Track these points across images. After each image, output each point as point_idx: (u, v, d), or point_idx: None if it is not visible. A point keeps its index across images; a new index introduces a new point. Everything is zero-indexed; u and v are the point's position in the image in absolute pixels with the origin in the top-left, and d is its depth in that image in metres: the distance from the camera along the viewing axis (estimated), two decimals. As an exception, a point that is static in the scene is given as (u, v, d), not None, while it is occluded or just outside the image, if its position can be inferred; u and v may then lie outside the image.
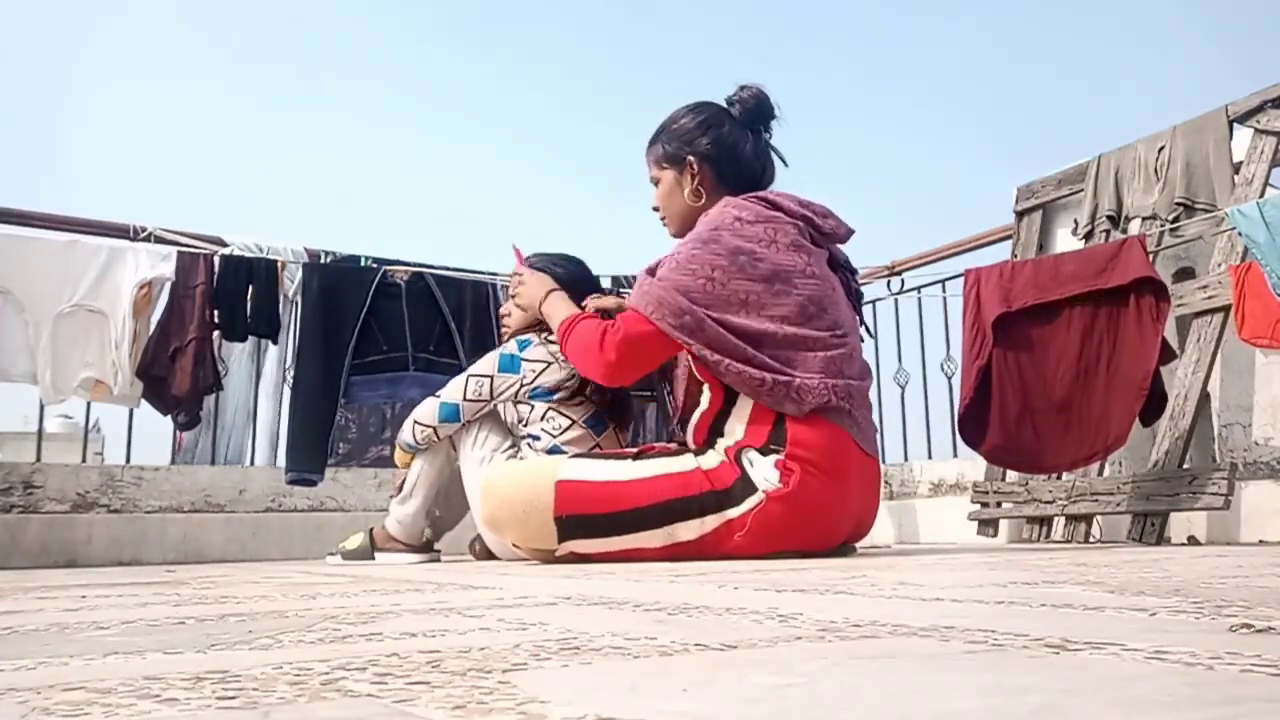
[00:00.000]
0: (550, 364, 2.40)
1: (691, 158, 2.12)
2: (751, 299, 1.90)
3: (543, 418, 2.39)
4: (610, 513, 1.89)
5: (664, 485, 1.89)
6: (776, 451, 1.87)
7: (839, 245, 2.12)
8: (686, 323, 1.90)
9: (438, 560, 2.56)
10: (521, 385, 2.40)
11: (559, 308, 2.22)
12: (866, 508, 2.03)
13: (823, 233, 2.04)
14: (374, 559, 2.54)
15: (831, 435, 1.88)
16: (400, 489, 2.55)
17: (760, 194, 2.03)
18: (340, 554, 2.59)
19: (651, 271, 2.02)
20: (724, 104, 2.19)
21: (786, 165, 2.20)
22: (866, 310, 3.97)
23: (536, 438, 2.39)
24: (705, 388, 1.98)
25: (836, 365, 1.91)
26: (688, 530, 1.88)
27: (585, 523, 1.91)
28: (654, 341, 1.96)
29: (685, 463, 1.92)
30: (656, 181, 2.21)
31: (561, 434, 2.38)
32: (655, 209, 2.22)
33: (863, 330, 2.15)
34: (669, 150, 2.16)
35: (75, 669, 0.57)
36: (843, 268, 2.13)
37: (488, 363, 2.46)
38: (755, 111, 2.16)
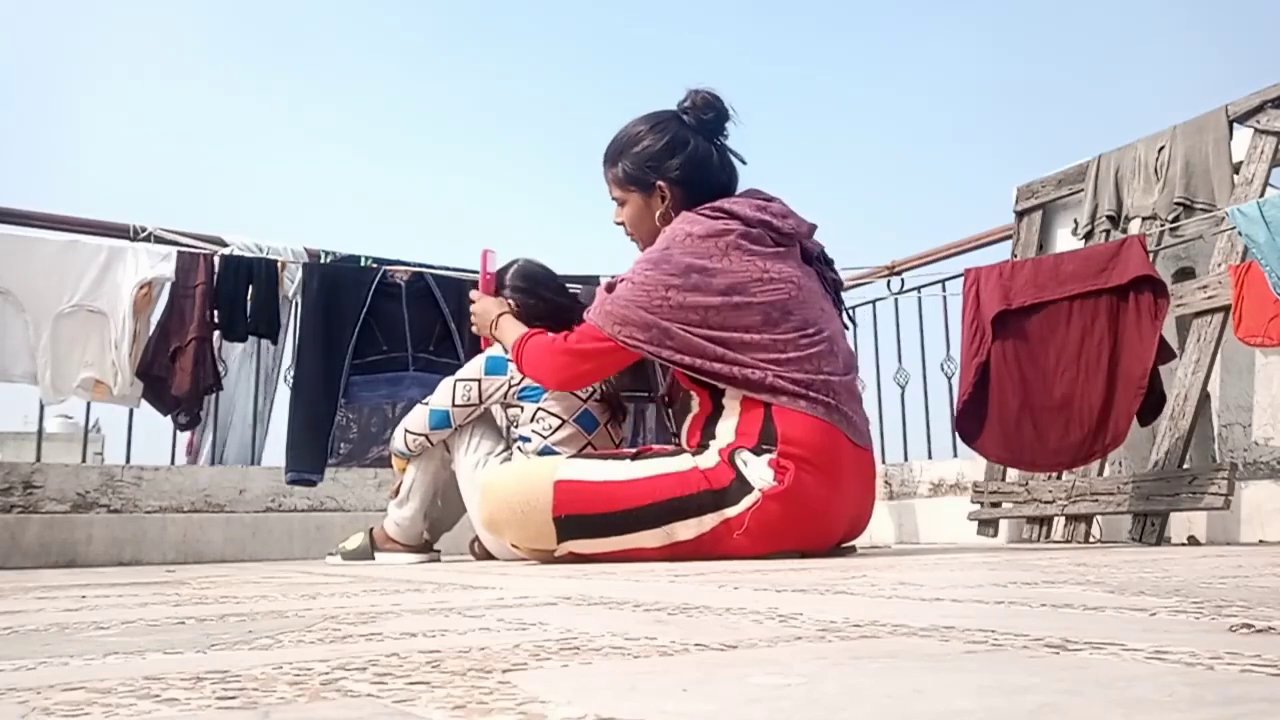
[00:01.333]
0: None
1: (661, 183, 2.08)
2: (712, 316, 1.90)
3: (533, 419, 2.39)
4: (608, 513, 1.89)
5: (662, 485, 1.89)
6: (769, 450, 1.87)
7: (807, 239, 2.09)
8: (654, 335, 1.92)
9: (438, 560, 2.56)
10: (509, 386, 2.40)
11: (509, 330, 2.27)
12: (862, 502, 2.03)
13: (783, 233, 2.01)
14: (374, 559, 2.54)
15: (822, 431, 1.88)
16: (397, 492, 2.56)
17: (717, 204, 2.00)
18: (340, 554, 2.59)
19: (610, 289, 2.01)
20: (679, 112, 2.13)
21: (745, 164, 2.17)
22: (866, 310, 3.98)
23: (528, 439, 2.39)
24: (693, 394, 1.99)
25: (814, 363, 1.91)
26: (686, 530, 1.88)
27: (584, 523, 1.91)
28: (610, 355, 2.00)
29: (683, 462, 1.92)
30: (620, 201, 2.16)
31: (552, 434, 2.38)
32: (619, 224, 2.19)
33: (845, 318, 2.13)
34: (633, 174, 2.11)
35: (75, 669, 0.57)
36: (817, 260, 2.12)
37: (474, 366, 2.46)
38: (714, 122, 2.12)
